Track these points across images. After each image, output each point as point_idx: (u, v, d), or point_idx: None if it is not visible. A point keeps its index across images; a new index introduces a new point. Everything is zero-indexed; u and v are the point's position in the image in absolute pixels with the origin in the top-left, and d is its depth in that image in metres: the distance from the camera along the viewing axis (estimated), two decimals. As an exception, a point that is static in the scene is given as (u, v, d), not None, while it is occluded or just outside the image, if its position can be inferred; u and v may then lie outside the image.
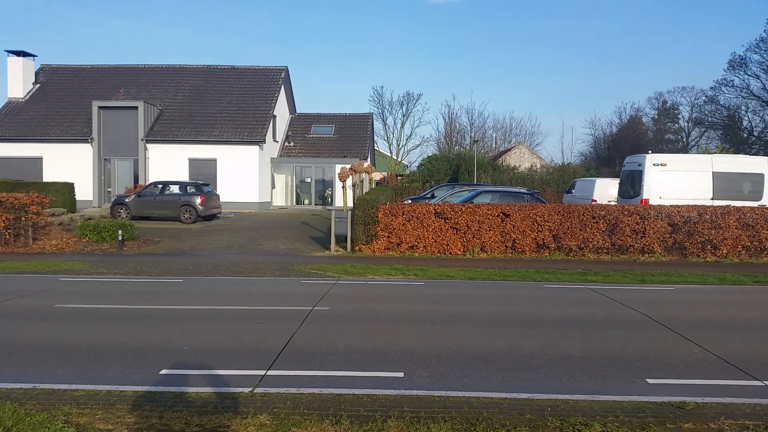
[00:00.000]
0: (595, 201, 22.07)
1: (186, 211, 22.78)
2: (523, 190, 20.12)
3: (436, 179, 37.70)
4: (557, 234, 15.62)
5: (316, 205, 33.29)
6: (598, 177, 31.22)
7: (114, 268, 12.99)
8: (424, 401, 5.02)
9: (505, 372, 5.85)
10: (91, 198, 29.22)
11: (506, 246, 15.68)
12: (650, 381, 5.55)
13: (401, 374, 5.71)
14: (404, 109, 54.98)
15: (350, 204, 18.66)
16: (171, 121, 30.58)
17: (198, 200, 22.86)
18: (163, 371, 5.81)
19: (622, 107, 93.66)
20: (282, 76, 33.95)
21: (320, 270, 12.87)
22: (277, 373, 5.77)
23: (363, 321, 8.05)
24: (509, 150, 52.31)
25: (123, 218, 22.03)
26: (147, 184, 26.18)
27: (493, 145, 58.47)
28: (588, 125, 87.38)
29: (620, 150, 48.53)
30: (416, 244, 15.71)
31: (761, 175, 17.68)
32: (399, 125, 54.91)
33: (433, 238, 15.66)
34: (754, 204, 16.50)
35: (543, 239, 15.63)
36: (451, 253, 15.61)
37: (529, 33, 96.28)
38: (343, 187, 18.90)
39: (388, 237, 15.75)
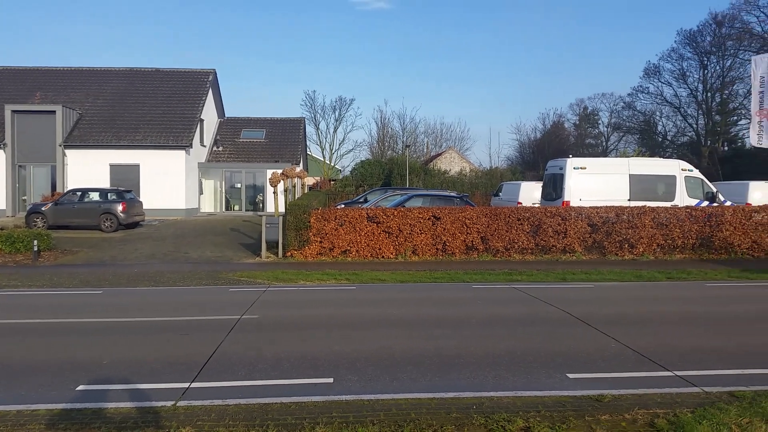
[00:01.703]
0: (521, 203, 22.79)
1: (107, 219, 21.79)
2: (453, 194, 20.51)
3: (369, 184, 37.83)
4: (485, 236, 16.01)
5: (246, 211, 32.64)
6: (523, 180, 32.26)
7: (29, 281, 12.25)
8: (353, 406, 5.00)
9: (434, 372, 5.92)
10: (4, 207, 27.48)
11: (437, 248, 15.92)
12: (571, 376, 5.77)
13: (331, 380, 5.68)
14: (337, 113, 54.90)
15: (282, 209, 18.41)
16: (91, 126, 29.22)
17: (119, 208, 21.91)
18: (81, 387, 5.53)
19: (545, 113, 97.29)
20: (210, 79, 33.14)
21: (250, 277, 12.62)
22: (202, 385, 5.60)
23: (293, 328, 7.95)
24: (440, 154, 53.22)
25: (39, 228, 20.77)
26: (65, 191, 24.86)
27: (425, 150, 59.32)
28: (514, 131, 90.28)
29: (544, 154, 50.37)
30: (349, 248, 15.69)
31: (674, 177, 18.78)
32: (332, 130, 54.71)
33: (365, 242, 15.69)
34: (668, 204, 17.49)
35: (472, 241, 15.98)
36: (383, 256, 15.69)
37: (457, 41, 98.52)
38: (274, 193, 18.62)
39: (321, 242, 15.65)
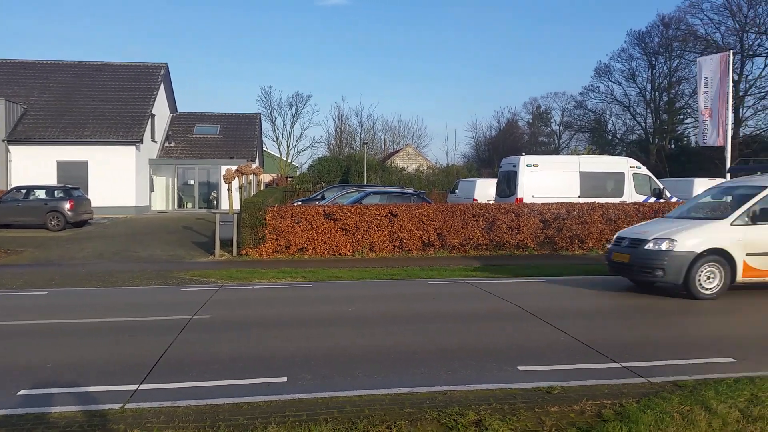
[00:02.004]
0: (476, 200, 23.09)
1: (53, 217, 21.02)
2: (409, 191, 20.65)
3: (326, 180, 37.68)
4: (441, 232, 16.16)
5: (200, 208, 32.02)
6: (479, 177, 32.71)
7: (-34, 283, 11.70)
8: (306, 404, 4.97)
9: (389, 369, 5.94)
10: (-60, 205, 26.14)
11: (394, 245, 15.99)
12: (521, 368, 5.88)
13: (284, 379, 5.63)
14: (294, 110, 54.35)
15: (237, 207, 18.14)
16: (37, 121, 28.14)
17: (67, 205, 21.17)
18: (23, 392, 5.32)
19: (500, 112, 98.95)
20: (162, 73, 32.35)
21: (203, 276, 12.39)
22: (151, 386, 5.46)
23: (246, 327, 7.84)
24: (398, 152, 53.45)
25: (-21, 227, 19.90)
26: (9, 189, 23.86)
27: (383, 147, 59.46)
28: (470, 128, 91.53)
29: (499, 152, 51.19)
30: (306, 246, 15.58)
31: (622, 174, 19.35)
32: (289, 126, 54.12)
33: (322, 239, 15.62)
34: (616, 201, 18.02)
35: (428, 238, 16.11)
36: (340, 254, 15.65)
37: (414, 38, 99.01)
38: (228, 190, 18.38)
39: (277, 240, 15.50)
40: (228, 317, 8.46)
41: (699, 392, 5.09)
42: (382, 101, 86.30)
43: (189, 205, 32.49)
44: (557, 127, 62.64)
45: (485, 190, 24.53)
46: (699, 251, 9.42)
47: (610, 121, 51.86)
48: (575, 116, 55.54)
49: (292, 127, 53.90)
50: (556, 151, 57.22)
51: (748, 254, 9.50)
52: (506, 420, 4.56)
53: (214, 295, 10.23)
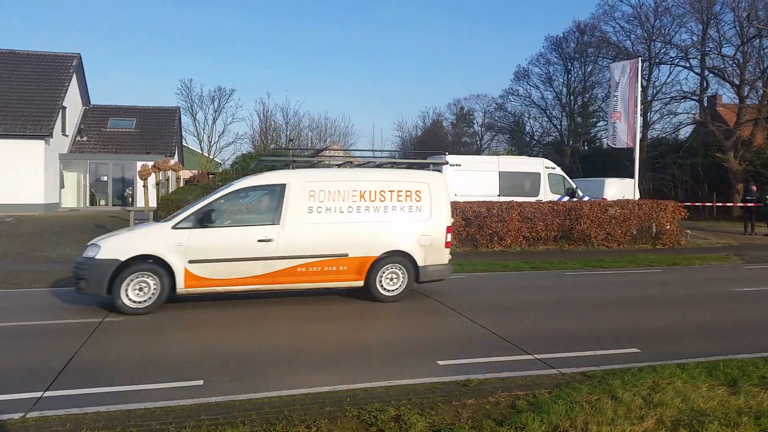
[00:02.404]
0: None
1: (-51, 215, 19.41)
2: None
3: (250, 178, 36.88)
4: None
5: (114, 206, 30.53)
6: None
7: None
8: (223, 407, 4.85)
9: (311, 368, 5.90)
10: None
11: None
12: (441, 362, 6.00)
13: (201, 382, 5.46)
14: (216, 104, 52.84)
15: (153, 204, 17.43)
16: (-72, 110, 25.87)
17: (-35, 202, 19.60)
18: None
19: (425, 112, 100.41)
20: (74, 64, 30.57)
21: (117, 276, 11.80)
22: (57, 393, 5.16)
23: (162, 329, 7.56)
24: (324, 149, 53.12)
25: None
26: None
27: (309, 145, 58.93)
28: (396, 127, 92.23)
29: (425, 151, 51.96)
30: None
31: (539, 174, 20.16)
32: (210, 121, 52.63)
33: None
34: (533, 200, 18.75)
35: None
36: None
37: (342, 35, 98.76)
38: (144, 186, 17.62)
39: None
40: (142, 319, 8.10)
41: (606, 382, 5.38)
42: (308, 98, 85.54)
43: (102, 202, 30.92)
44: (479, 128, 64.33)
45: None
46: (123, 258, 8.12)
47: (529, 124, 53.85)
48: (496, 118, 57.21)
49: (214, 121, 52.47)
50: (479, 152, 58.73)
51: (191, 261, 8.33)
52: (425, 414, 4.63)
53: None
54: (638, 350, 6.54)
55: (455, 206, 16.89)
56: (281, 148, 47.29)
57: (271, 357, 6.27)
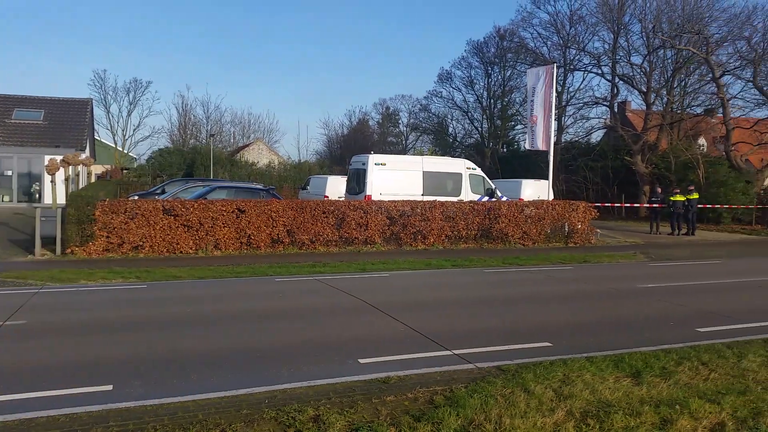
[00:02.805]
0: (328, 197, 23.25)
1: None
2: (258, 186, 20.22)
3: (168, 174, 35.60)
4: (291, 229, 16.01)
5: (19, 202, 28.52)
6: (330, 174, 32.98)
7: None
8: (134, 413, 4.63)
9: (228, 370, 5.75)
10: None
11: (241, 242, 15.53)
12: (362, 361, 6.02)
13: (110, 387, 5.20)
14: (131, 96, 50.70)
15: (62, 200, 16.44)
16: None
17: None
18: None
19: (352, 110, 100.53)
20: (-30, 48, 28.27)
21: (19, 278, 11.04)
22: (-56, 405, 4.75)
23: (68, 333, 7.13)
24: (248, 146, 52.04)
25: None
26: None
27: (231, 140, 57.56)
28: (323, 125, 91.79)
29: (351, 150, 51.96)
30: (141, 243, 14.55)
31: (460, 175, 20.63)
32: (125, 114, 50.42)
33: (161, 236, 14.69)
34: (455, 199, 19.16)
35: (278, 234, 15.87)
36: (182, 252, 14.84)
37: (265, 29, 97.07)
38: (52, 182, 16.58)
39: (108, 237, 14.28)
40: (47, 322, 7.63)
41: (520, 375, 5.57)
42: (231, 92, 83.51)
43: (6, 198, 28.82)
44: (405, 129, 65.13)
45: (336, 187, 24.77)
46: None
47: (452, 125, 55.02)
48: (420, 119, 58.06)
49: (129, 115, 50.33)
50: (404, 151, 59.46)
51: None
52: (344, 413, 4.62)
53: (32, 298, 9.16)
54: (550, 344, 6.82)
55: (380, 205, 17.04)
56: (202, 144, 45.91)
57: (186, 359, 6.07)
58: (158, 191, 23.50)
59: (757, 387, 5.35)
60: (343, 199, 19.93)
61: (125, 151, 50.08)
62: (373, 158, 19.34)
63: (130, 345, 6.58)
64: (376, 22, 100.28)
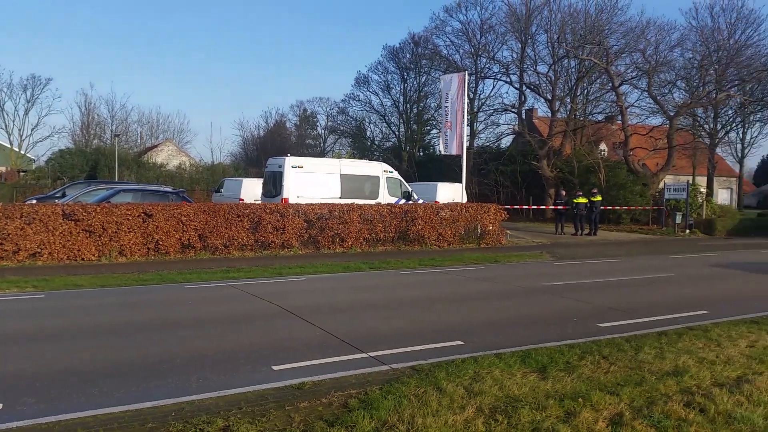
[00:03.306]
0: (243, 200, 22.70)
1: None
2: (167, 189, 19.44)
3: (70, 176, 33.50)
4: (203, 233, 15.50)
5: None
6: (246, 177, 32.27)
7: None
8: (26, 433, 4.30)
9: (132, 383, 5.46)
10: None
11: (148, 248, 14.84)
12: (275, 368, 5.90)
13: (0, 406, 4.80)
14: (29, 94, 47.24)
15: (-55, 205, 15.07)
16: None
17: None
18: None
19: (268, 112, 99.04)
20: None
21: None
22: None
23: (-48, 349, 6.52)
24: (156, 147, 50.01)
25: None
26: None
27: (139, 141, 55.04)
28: (238, 126, 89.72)
29: (267, 151, 51.11)
30: (39, 250, 13.59)
31: (378, 178, 20.80)
32: (22, 112, 46.90)
33: (60, 242, 13.78)
34: (373, 202, 19.28)
35: (189, 239, 15.31)
36: (84, 258, 13.99)
37: (175, 26, 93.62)
38: (-67, 185, 15.15)
39: (2, 244, 13.24)
40: (-75, 339, 6.94)
41: (433, 374, 5.67)
42: (137, 91, 79.73)
43: None
44: (323, 131, 64.87)
45: (252, 189, 24.23)
46: None
47: (369, 129, 55.46)
48: (339, 122, 58.09)
49: (26, 113, 46.89)
50: (322, 154, 59.20)
51: None
52: (255, 422, 4.51)
53: None
54: (462, 343, 6.99)
55: (297, 208, 16.85)
56: (106, 144, 43.63)
57: (87, 373, 5.71)
58: (58, 194, 22.08)
59: (652, 378, 5.72)
60: (259, 202, 19.54)
61: (22, 152, 46.61)
62: (290, 161, 19.11)
63: (25, 359, 6.11)
64: (291, 22, 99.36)
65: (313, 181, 19.11)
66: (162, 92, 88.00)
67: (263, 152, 54.93)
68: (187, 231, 15.26)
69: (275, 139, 59.98)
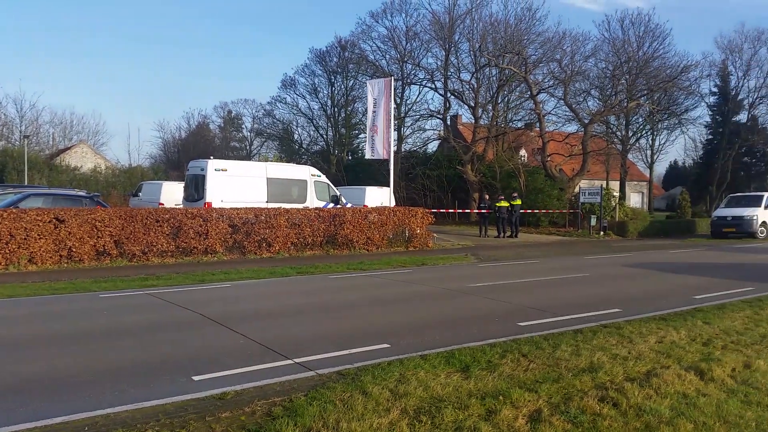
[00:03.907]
0: (162, 204, 21.91)
1: None
2: (81, 193, 18.50)
3: (-28, 180, 31.15)
4: (120, 239, 14.82)
5: None
6: (167, 180, 31.17)
7: None
8: None
9: (42, 398, 5.13)
10: None
11: (61, 255, 14.04)
12: (196, 378, 5.70)
13: None
14: (-77, 90, 43.57)
15: None
16: None
17: None
18: None
19: (190, 113, 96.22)
20: None
21: None
22: None
23: None
24: (70, 149, 47.41)
25: None
26: None
27: (51, 142, 51.92)
28: (157, 128, 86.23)
29: (190, 154, 49.54)
30: (-66, 259, 12.56)
31: (305, 181, 20.64)
32: None
33: (-41, 251, 12.79)
34: (301, 206, 19.11)
35: (104, 245, 14.60)
36: (-13, 268, 13.05)
37: (89, 23, 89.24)
38: None
39: None
40: None
41: (359, 378, 5.66)
42: (49, 90, 75.24)
43: None
44: (249, 134, 63.64)
45: (172, 193, 23.43)
46: None
47: (297, 132, 54.86)
48: (265, 124, 57.10)
49: None
50: (248, 157, 58.01)
51: None
52: (174, 434, 4.35)
53: None
54: (388, 345, 7.03)
55: (221, 213, 16.42)
56: (14, 146, 40.91)
57: (-11, 391, 5.31)
58: (-43, 199, 20.44)
59: (569, 374, 5.96)
60: (180, 206, 18.90)
61: None
62: (213, 164, 18.62)
63: None
64: (215, 22, 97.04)
65: (237, 184, 18.70)
66: (76, 92, 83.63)
67: (185, 155, 53.19)
68: (103, 237, 14.56)
69: (198, 142, 58.26)
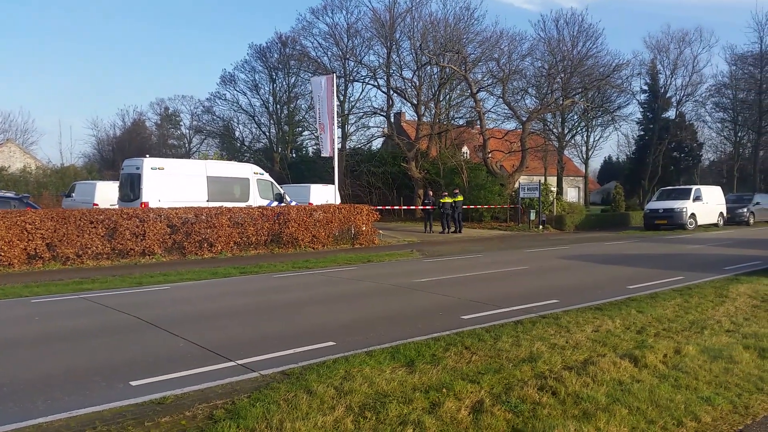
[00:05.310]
0: (97, 205, 21.08)
1: None
2: (9, 195, 17.58)
3: None
4: (52, 242, 14.18)
5: None
6: (101, 180, 30.00)
7: None
8: None
9: (-37, 412, 4.84)
10: None
11: (-14, 260, 13.30)
12: (134, 383, 5.52)
13: None
14: None
15: None
16: None
17: None
18: None
19: (125, 110, 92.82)
20: None
21: None
22: None
23: None
24: (-4, 148, 44.86)
25: None
26: None
27: (-27, 141, 48.98)
28: (91, 126, 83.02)
29: (125, 152, 47.82)
30: None
31: (248, 180, 20.30)
32: None
33: None
34: (243, 205, 18.78)
35: (35, 249, 13.94)
36: None
37: (14, 21, 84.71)
38: None
39: None
40: None
41: (304, 377, 5.62)
42: (-27, 86, 70.89)
43: None
44: (187, 131, 61.98)
45: (108, 193, 22.58)
46: None
47: (238, 129, 53.80)
48: (204, 121, 55.65)
49: None
50: (187, 155, 56.46)
51: None
52: (111, 442, 4.20)
53: None
54: (334, 343, 7.01)
55: (159, 213, 15.94)
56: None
57: None
58: None
59: (509, 365, 6.10)
60: (115, 207, 18.23)
61: None
62: (149, 162, 18.05)
63: None
64: (146, 15, 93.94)
65: (176, 183, 18.20)
66: (2, 89, 79.22)
67: (120, 153, 51.31)
68: (34, 240, 13.90)
69: (134, 139, 56.33)
